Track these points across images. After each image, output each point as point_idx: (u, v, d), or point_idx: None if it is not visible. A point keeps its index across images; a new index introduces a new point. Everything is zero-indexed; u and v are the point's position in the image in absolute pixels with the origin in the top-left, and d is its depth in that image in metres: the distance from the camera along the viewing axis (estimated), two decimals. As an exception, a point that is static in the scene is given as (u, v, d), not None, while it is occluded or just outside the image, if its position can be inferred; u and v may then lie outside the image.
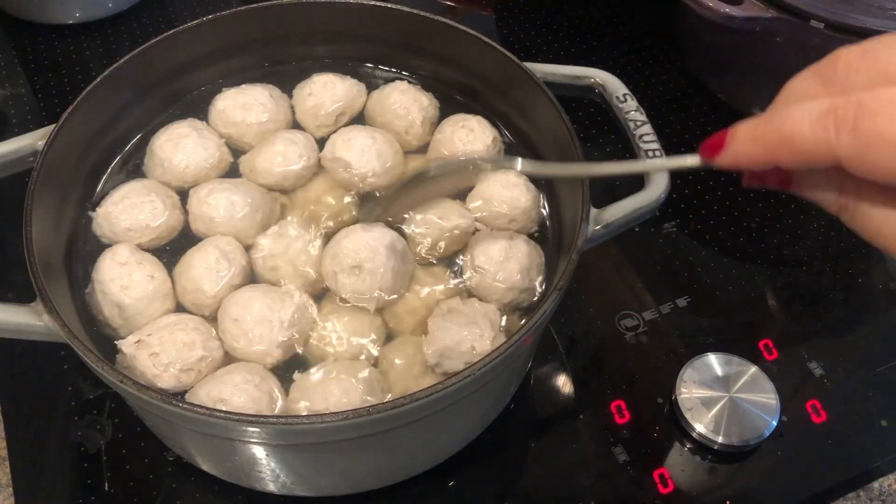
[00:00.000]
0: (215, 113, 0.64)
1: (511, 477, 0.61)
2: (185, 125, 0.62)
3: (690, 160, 0.36)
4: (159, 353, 0.50)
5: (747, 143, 0.33)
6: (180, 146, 0.60)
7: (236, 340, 0.52)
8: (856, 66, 0.31)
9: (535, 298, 0.57)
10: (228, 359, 0.54)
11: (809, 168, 0.33)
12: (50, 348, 0.56)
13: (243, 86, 0.65)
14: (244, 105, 0.63)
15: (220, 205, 0.57)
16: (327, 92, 0.65)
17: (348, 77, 0.67)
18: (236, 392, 0.49)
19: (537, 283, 0.57)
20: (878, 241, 0.32)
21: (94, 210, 0.58)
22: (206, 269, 0.54)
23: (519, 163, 0.49)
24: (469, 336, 0.52)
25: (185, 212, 0.60)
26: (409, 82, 0.67)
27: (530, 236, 0.59)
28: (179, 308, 0.55)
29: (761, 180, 0.35)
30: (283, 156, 0.61)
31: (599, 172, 0.48)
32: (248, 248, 0.58)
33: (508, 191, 0.59)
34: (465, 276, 0.57)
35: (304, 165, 0.61)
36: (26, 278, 0.47)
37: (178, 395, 0.51)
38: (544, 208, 0.62)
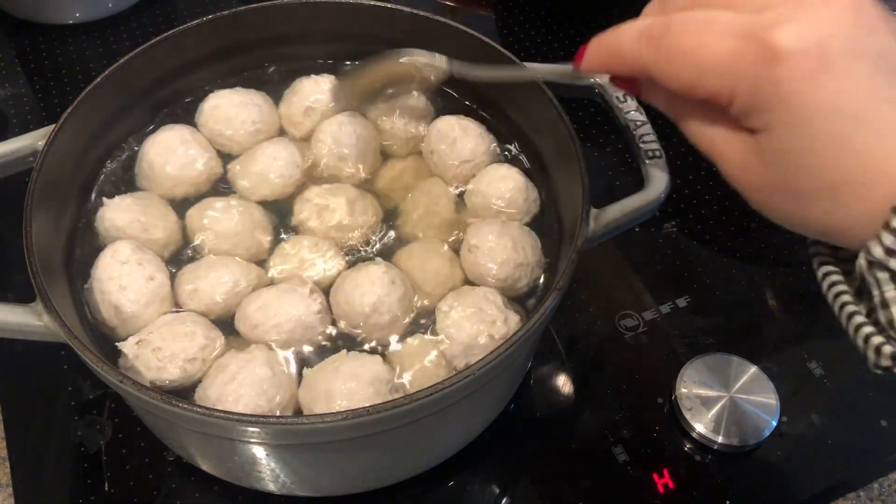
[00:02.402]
0: (207, 111, 0.63)
1: (511, 477, 0.61)
2: (174, 135, 0.61)
3: (565, 67, 0.42)
4: (161, 346, 0.50)
5: (593, 51, 0.38)
6: (168, 159, 0.60)
7: (260, 328, 0.52)
8: None
9: (535, 277, 0.57)
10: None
11: (633, 75, 0.37)
12: (50, 348, 0.56)
13: (237, 88, 0.65)
14: (238, 104, 0.63)
15: (233, 221, 0.57)
16: (317, 94, 0.64)
17: (324, 75, 0.66)
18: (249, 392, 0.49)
19: (533, 261, 0.57)
20: (699, 145, 0.36)
21: (102, 202, 0.58)
22: (221, 282, 0.54)
23: (444, 60, 0.54)
24: (483, 326, 0.52)
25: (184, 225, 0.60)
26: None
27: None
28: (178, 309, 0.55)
29: (621, 84, 0.41)
30: (280, 162, 0.61)
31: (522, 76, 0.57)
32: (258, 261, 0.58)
33: (500, 182, 0.59)
34: (460, 257, 0.58)
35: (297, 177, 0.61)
36: (26, 278, 0.47)
37: (181, 393, 0.51)
38: (543, 207, 0.62)
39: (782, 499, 0.60)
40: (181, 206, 0.60)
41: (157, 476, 0.60)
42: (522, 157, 0.64)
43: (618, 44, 0.36)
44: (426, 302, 0.56)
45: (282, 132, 0.66)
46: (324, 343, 0.54)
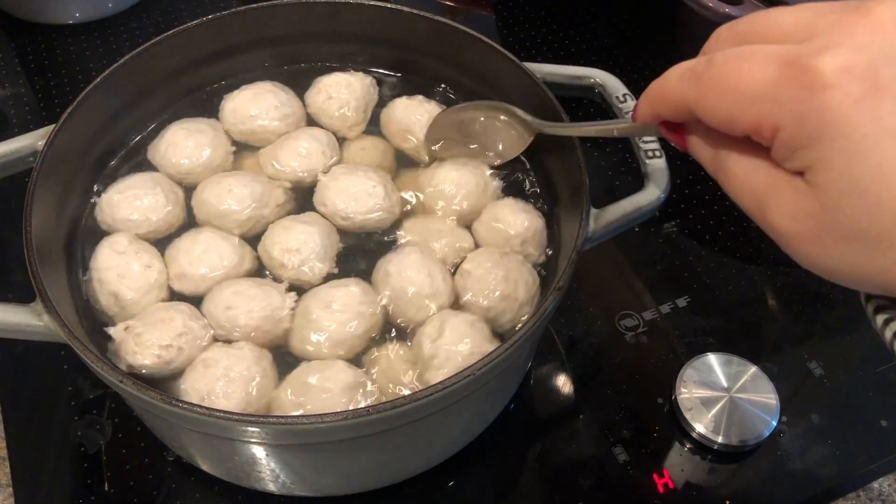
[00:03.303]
0: (228, 110, 0.64)
1: (511, 477, 0.61)
2: (194, 120, 0.63)
3: (629, 123, 0.43)
4: (142, 332, 0.51)
5: (643, 100, 0.38)
6: (183, 141, 0.61)
7: (228, 319, 0.53)
8: (721, 34, 0.35)
9: (521, 316, 0.55)
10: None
11: (680, 119, 0.36)
12: (50, 348, 0.56)
13: (256, 83, 0.65)
14: (258, 102, 0.63)
15: (243, 198, 0.58)
16: (343, 91, 0.65)
17: (357, 73, 0.67)
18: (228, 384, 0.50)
19: (522, 298, 0.54)
20: (743, 201, 0.35)
21: (98, 197, 0.59)
22: (206, 254, 0.55)
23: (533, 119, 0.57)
24: (460, 349, 0.51)
25: (188, 207, 0.60)
26: (410, 96, 0.67)
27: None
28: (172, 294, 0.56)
29: (669, 134, 0.39)
30: (308, 152, 0.61)
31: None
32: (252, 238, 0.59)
33: (514, 215, 0.58)
34: (455, 279, 0.56)
35: (330, 164, 0.62)
36: (26, 278, 0.47)
37: (160, 381, 0.51)
38: (544, 207, 0.62)
39: (782, 499, 0.60)
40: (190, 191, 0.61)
41: (157, 476, 0.60)
42: (522, 157, 0.64)
43: (663, 86, 0.36)
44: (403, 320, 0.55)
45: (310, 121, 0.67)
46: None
